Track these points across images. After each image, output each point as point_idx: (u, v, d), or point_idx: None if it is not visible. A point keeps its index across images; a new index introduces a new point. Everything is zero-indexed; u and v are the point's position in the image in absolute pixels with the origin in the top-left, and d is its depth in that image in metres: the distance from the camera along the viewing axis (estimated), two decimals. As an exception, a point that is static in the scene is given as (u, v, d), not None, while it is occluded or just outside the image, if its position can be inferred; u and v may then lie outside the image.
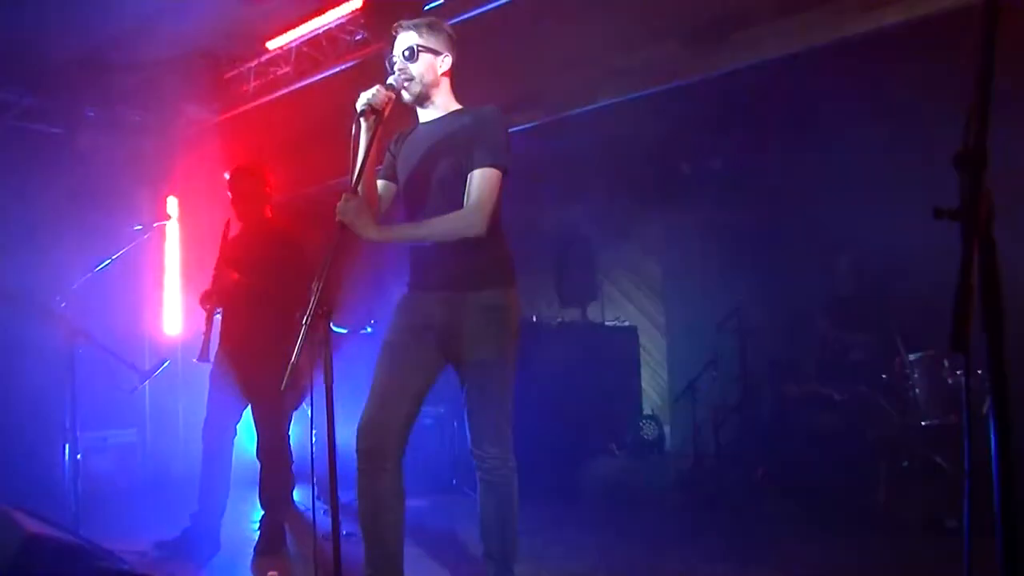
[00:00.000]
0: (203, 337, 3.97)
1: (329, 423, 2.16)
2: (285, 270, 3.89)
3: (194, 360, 4.03)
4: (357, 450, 2.50)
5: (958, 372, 4.18)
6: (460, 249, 2.50)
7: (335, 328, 4.66)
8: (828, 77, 4.54)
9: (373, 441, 2.49)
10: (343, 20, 5.19)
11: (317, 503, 4.64)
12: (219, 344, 4.04)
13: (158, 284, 6.87)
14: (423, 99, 2.64)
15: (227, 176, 4.14)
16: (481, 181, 2.48)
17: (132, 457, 6.02)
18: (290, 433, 4.79)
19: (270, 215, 4.12)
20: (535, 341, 5.98)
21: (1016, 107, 2.40)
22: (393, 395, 2.54)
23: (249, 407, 3.95)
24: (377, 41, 5.02)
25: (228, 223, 4.13)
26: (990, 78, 1.19)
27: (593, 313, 7.23)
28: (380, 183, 2.69)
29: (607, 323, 7.19)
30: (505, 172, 2.53)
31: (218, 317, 4.06)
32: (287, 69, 5.77)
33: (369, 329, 5.14)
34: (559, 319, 7.04)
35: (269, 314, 3.85)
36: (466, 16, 4.70)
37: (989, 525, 1.17)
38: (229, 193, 4.07)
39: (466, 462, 2.63)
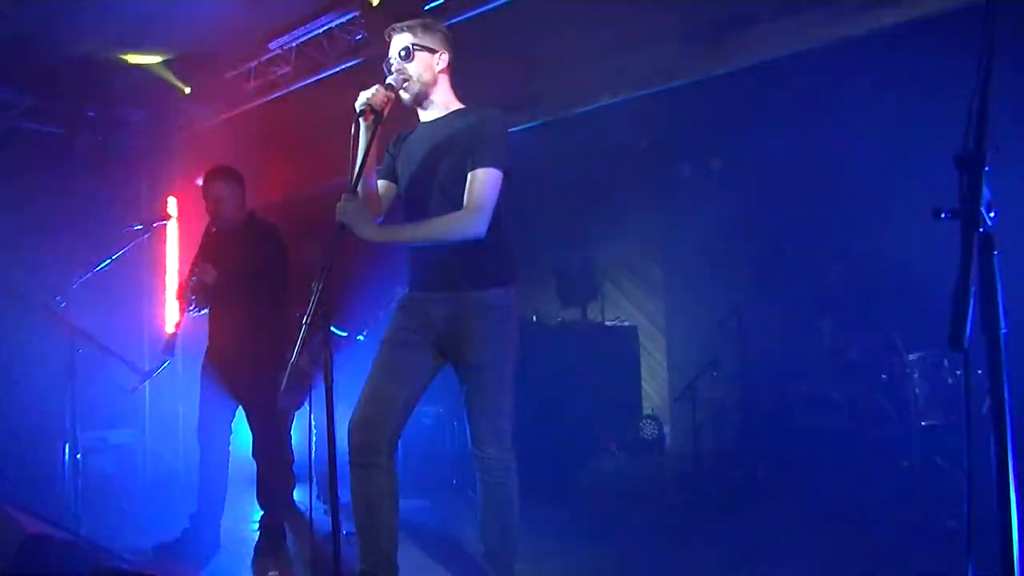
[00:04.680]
0: (174, 330, 3.96)
1: (329, 423, 2.16)
2: (266, 270, 3.88)
3: (160, 352, 4.03)
4: (349, 446, 2.49)
5: (958, 372, 4.18)
6: (460, 249, 2.51)
7: (335, 330, 4.64)
8: (828, 76, 4.54)
9: (365, 437, 2.49)
10: (343, 20, 5.19)
11: (316, 503, 4.65)
12: (207, 344, 4.03)
13: (158, 284, 6.87)
14: (422, 98, 2.64)
15: (199, 182, 4.06)
16: (481, 182, 2.48)
17: (132, 457, 6.01)
18: (291, 433, 4.78)
19: (249, 216, 4.05)
20: (535, 341, 5.99)
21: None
22: (388, 392, 2.54)
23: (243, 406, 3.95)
24: (377, 41, 5.03)
25: (210, 223, 4.08)
26: (990, 78, 1.19)
27: (593, 313, 7.24)
28: (380, 183, 2.69)
29: (607, 323, 7.19)
30: (506, 173, 2.53)
31: (204, 314, 4.04)
32: (287, 69, 5.77)
33: (362, 337, 5.11)
34: (559, 319, 7.05)
35: (253, 313, 3.85)
36: (466, 16, 4.71)
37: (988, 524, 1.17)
38: (203, 198, 3.97)
39: (466, 462, 2.63)
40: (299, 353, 2.05)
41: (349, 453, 2.49)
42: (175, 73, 5.94)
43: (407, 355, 2.59)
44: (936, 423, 4.20)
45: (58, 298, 3.95)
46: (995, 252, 1.16)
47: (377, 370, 2.58)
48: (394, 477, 2.53)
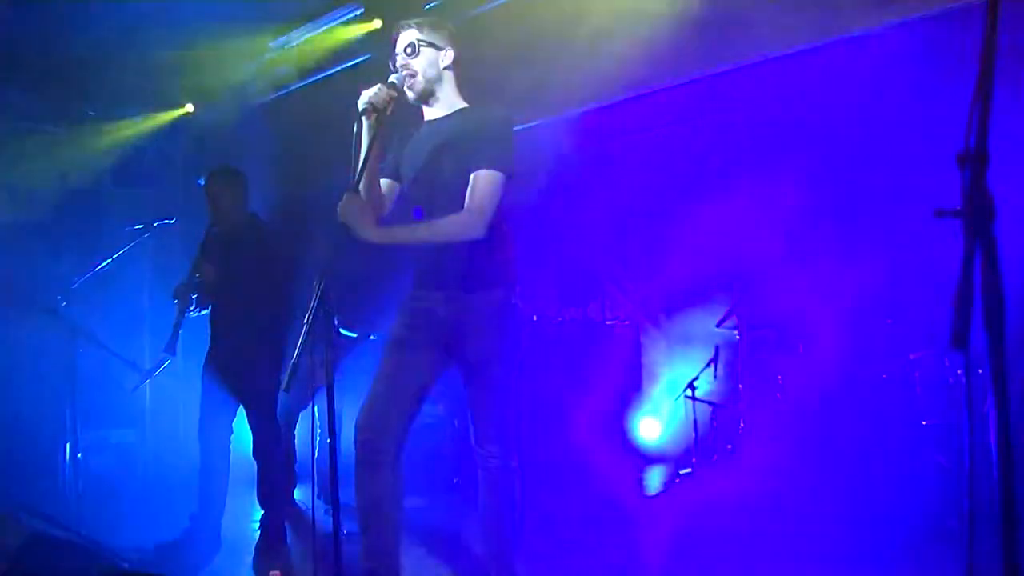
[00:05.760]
0: (172, 329, 3.97)
1: (330, 422, 2.16)
2: (268, 270, 3.89)
3: (161, 351, 4.04)
4: (356, 445, 2.50)
5: (959, 372, 4.18)
6: (464, 249, 2.51)
7: (344, 331, 4.63)
8: (828, 75, 4.54)
9: (372, 437, 2.50)
10: (343, 20, 5.19)
11: (317, 502, 4.64)
12: (208, 343, 4.03)
13: (158, 284, 6.86)
14: (427, 96, 2.64)
15: (201, 182, 4.08)
16: (483, 183, 2.48)
17: (132, 457, 6.02)
18: (295, 432, 4.79)
19: (250, 216, 4.06)
20: (535, 341, 5.99)
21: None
22: (394, 393, 2.55)
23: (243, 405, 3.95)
24: (378, 40, 5.02)
25: (212, 222, 4.08)
26: (990, 78, 1.19)
27: (593, 313, 7.23)
28: (383, 182, 2.69)
29: (607, 323, 7.18)
30: (509, 177, 2.53)
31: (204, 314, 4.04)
32: (287, 69, 5.77)
33: (374, 337, 5.10)
34: (559, 319, 7.04)
35: (254, 313, 3.85)
36: (466, 16, 4.70)
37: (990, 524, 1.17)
38: (207, 197, 3.98)
39: (467, 461, 2.64)
40: (300, 353, 2.05)
41: (356, 452, 2.50)
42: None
43: (413, 356, 2.59)
44: (936, 423, 4.19)
45: (59, 298, 3.96)
46: (997, 252, 1.16)
47: (384, 371, 2.59)
48: (400, 477, 2.54)
